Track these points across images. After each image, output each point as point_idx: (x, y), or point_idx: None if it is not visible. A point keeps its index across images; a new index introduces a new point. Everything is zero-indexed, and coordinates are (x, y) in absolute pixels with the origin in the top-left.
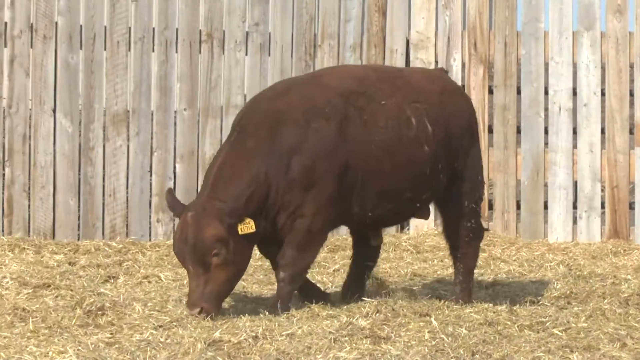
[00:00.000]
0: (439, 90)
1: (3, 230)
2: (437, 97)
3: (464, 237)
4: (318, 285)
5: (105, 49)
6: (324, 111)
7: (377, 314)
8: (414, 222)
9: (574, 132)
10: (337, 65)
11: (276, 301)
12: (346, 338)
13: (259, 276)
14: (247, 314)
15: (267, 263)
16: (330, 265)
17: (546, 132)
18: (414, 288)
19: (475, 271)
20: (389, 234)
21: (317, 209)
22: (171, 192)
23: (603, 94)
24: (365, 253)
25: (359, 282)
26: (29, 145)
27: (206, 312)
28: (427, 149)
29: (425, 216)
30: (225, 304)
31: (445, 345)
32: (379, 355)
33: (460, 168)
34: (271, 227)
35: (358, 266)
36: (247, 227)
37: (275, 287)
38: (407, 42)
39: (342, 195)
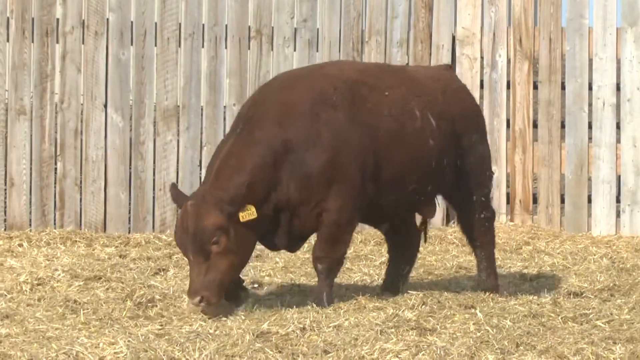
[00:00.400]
0: (441, 88)
1: (55, 223)
2: (440, 95)
3: (479, 227)
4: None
5: (155, 45)
6: (332, 99)
7: (423, 306)
8: None
9: (617, 127)
10: (338, 60)
11: (319, 293)
12: (392, 330)
13: (307, 269)
14: (294, 306)
15: None
16: (377, 258)
17: (590, 127)
18: (460, 280)
19: (519, 264)
20: (435, 227)
21: (343, 201)
22: (175, 186)
23: None
24: (401, 257)
25: (395, 286)
26: (81, 139)
27: (207, 300)
28: (432, 142)
29: (430, 214)
30: (273, 296)
31: (490, 336)
32: (425, 346)
33: (467, 164)
34: (289, 221)
35: (394, 270)
36: (248, 213)
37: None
38: (453, 38)
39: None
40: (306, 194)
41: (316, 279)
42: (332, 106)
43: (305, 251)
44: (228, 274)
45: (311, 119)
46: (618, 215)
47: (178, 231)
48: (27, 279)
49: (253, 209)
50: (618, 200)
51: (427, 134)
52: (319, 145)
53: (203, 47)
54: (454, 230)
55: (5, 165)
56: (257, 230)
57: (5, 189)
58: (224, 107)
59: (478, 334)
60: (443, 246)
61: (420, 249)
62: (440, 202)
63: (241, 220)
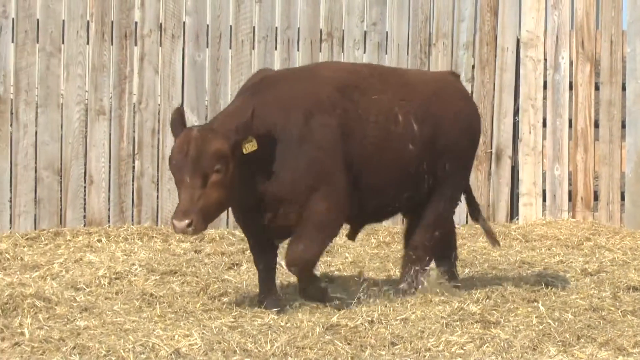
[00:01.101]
0: (431, 91)
1: (133, 220)
2: (428, 98)
3: (425, 233)
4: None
5: (230, 48)
6: (325, 105)
7: (487, 300)
8: (523, 212)
9: None
10: (329, 61)
11: (304, 294)
12: (457, 323)
13: (374, 264)
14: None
15: (382, 251)
16: None
17: None
18: (523, 275)
19: (580, 259)
20: (499, 223)
21: (328, 204)
22: (181, 110)
23: None
24: (445, 246)
25: (452, 273)
26: (158, 139)
27: (194, 226)
28: (411, 147)
29: None
30: (342, 290)
31: (552, 329)
32: (489, 339)
33: (447, 171)
34: (270, 210)
35: (443, 260)
36: (251, 145)
37: (389, 274)
38: (518, 40)
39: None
40: (290, 190)
41: (385, 273)
42: (325, 111)
43: (373, 247)
44: (218, 207)
45: (308, 120)
46: None
47: (176, 153)
48: (106, 273)
49: (254, 141)
50: None
51: (408, 139)
52: (311, 144)
53: (276, 49)
54: (517, 227)
55: (85, 164)
56: (241, 184)
57: (85, 187)
58: None
59: (540, 327)
60: (507, 242)
61: (485, 244)
62: (505, 200)
63: (244, 152)
